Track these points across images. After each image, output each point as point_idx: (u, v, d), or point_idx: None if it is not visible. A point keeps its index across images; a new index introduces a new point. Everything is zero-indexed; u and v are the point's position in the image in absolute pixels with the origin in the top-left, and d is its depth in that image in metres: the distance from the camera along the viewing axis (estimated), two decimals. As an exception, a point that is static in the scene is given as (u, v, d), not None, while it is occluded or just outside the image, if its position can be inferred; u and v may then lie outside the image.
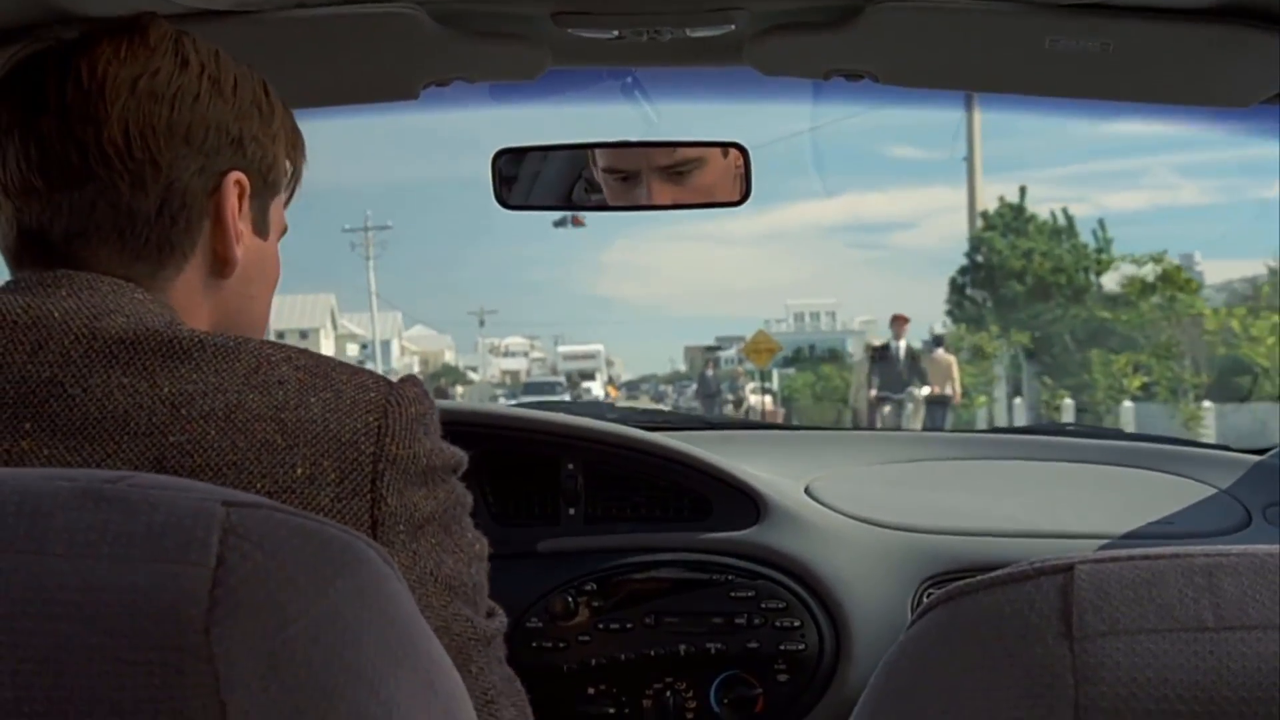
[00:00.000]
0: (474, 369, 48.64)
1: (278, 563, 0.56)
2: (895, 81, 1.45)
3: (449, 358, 52.19)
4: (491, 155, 1.55)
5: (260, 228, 1.01)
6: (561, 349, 54.17)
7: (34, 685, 0.52)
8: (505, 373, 46.85)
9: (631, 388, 48.64)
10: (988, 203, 19.71)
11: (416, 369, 43.81)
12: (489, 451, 1.67)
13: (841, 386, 22.86)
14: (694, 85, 1.76)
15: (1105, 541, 1.64)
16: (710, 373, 23.64)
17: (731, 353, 36.62)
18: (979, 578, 0.59)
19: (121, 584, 0.53)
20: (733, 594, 1.59)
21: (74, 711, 0.52)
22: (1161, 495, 1.76)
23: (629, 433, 1.70)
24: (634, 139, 1.56)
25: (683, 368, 53.35)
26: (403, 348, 49.35)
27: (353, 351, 42.14)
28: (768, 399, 21.88)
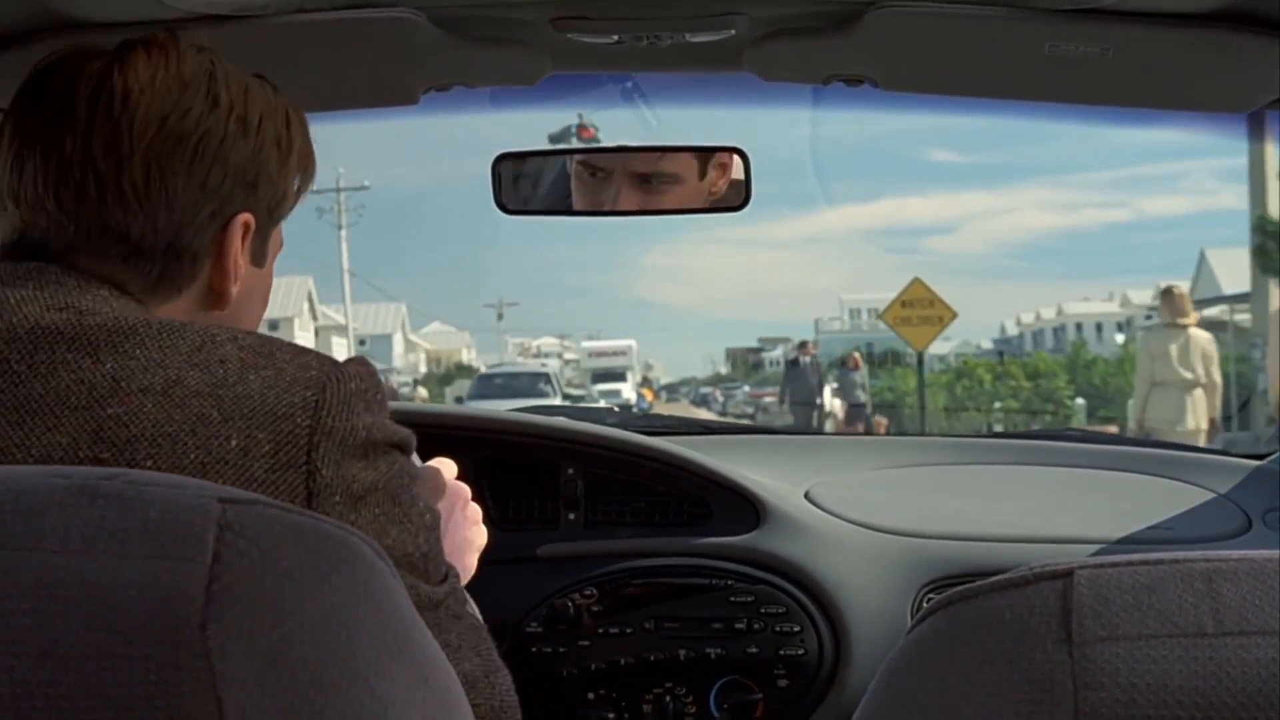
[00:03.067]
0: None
1: (273, 559, 0.56)
2: (895, 87, 1.45)
3: (466, 356, 47.38)
4: (492, 160, 1.55)
5: (258, 258, 1.02)
6: (586, 344, 47.96)
7: (31, 681, 0.52)
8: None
9: (671, 391, 44.61)
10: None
11: (423, 368, 41.16)
12: (489, 456, 1.67)
13: (1004, 392, 15.82)
14: (694, 90, 1.76)
15: (1104, 546, 1.64)
16: (805, 359, 15.04)
17: (777, 353, 34.54)
18: (979, 583, 0.59)
19: (118, 580, 0.54)
20: (732, 599, 1.58)
21: (71, 707, 0.52)
22: (1161, 500, 1.75)
23: (629, 437, 1.70)
24: (633, 143, 1.56)
25: (724, 370, 51.21)
26: (409, 343, 45.42)
27: (340, 345, 36.89)
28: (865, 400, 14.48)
